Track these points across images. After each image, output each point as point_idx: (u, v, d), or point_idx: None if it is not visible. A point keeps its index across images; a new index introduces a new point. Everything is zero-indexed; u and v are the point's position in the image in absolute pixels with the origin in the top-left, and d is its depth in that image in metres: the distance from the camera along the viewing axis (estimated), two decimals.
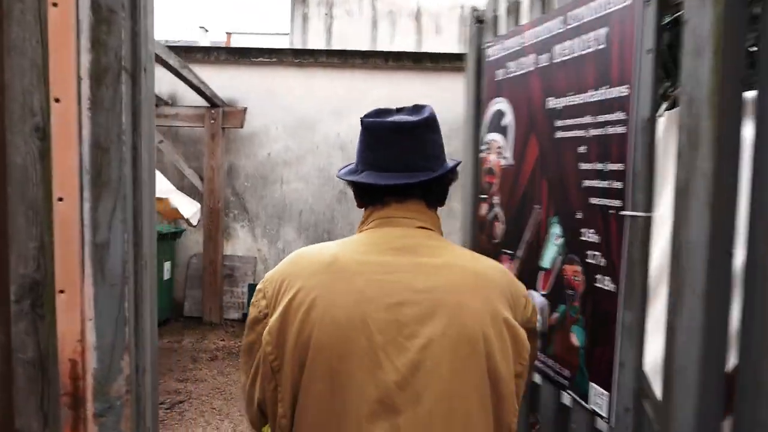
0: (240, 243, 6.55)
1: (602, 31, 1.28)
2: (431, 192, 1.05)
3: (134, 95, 0.93)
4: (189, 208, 4.79)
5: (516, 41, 1.67)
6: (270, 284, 0.98)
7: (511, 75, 1.71)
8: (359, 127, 1.07)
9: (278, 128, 6.51)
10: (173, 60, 4.84)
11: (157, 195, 4.61)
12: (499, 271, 1.02)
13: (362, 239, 1.01)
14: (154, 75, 1.10)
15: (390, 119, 1.02)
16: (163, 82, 6.31)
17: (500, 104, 1.78)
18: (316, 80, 6.50)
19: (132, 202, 0.93)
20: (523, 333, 0.96)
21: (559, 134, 1.45)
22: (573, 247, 1.40)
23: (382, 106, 1.09)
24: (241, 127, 6.24)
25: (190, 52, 6.47)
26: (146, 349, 1.01)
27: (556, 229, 1.48)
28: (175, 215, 4.79)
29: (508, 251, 1.74)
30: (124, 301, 0.90)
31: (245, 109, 6.24)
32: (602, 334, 1.30)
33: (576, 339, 1.40)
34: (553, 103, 1.48)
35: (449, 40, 9.36)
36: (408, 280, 0.92)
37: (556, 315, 1.49)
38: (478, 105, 1.96)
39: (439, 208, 1.09)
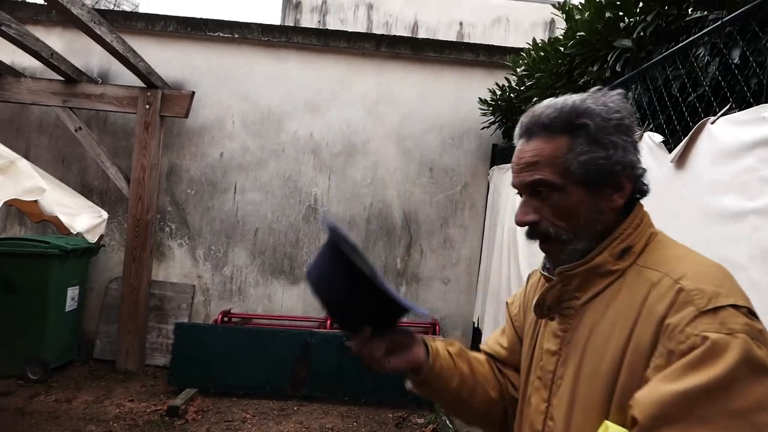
0: (176, 266, 5.08)
1: None
2: None
3: None
4: (83, 219, 3.33)
5: None
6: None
7: None
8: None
9: (235, 122, 5.12)
10: (79, 10, 3.44)
11: (19, 197, 3.16)
12: None
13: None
14: None
15: None
16: (94, 55, 4.94)
17: None
18: (288, 65, 5.15)
19: None
20: None
21: None
22: None
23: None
24: (186, 116, 4.83)
25: (129, 19, 5.10)
26: None
27: None
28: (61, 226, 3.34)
29: None
30: None
31: (193, 94, 4.84)
32: None
33: None
34: None
35: None
36: None
37: None
38: None
39: None
